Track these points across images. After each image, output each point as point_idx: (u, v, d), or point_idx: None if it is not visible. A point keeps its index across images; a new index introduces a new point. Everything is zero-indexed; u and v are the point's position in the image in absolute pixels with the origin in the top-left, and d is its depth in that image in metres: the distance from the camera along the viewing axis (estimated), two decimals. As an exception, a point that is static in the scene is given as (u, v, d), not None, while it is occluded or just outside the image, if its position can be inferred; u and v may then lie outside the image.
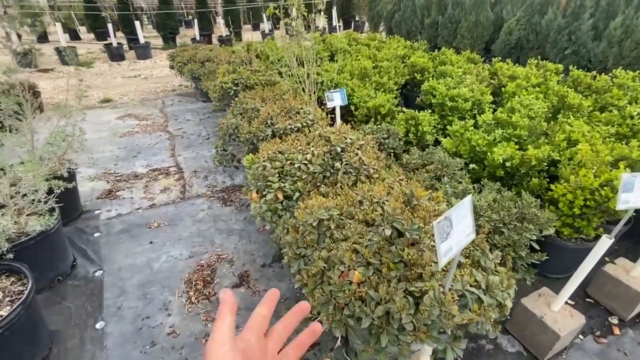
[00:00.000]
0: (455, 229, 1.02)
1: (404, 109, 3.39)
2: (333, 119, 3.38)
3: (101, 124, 5.10)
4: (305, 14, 3.42)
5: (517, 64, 4.60)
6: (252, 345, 0.40)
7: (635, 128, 2.79)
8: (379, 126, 2.98)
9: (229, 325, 0.40)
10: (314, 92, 3.76)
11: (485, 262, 1.43)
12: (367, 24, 13.72)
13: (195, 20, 10.90)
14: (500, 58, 4.75)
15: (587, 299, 2.21)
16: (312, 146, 2.12)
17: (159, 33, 11.65)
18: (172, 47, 10.77)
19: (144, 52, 9.95)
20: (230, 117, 3.18)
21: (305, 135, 2.41)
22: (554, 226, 2.04)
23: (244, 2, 14.47)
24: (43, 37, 12.26)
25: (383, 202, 1.47)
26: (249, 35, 13.51)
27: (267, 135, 2.49)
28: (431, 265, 1.23)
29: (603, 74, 3.78)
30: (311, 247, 1.43)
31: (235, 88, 3.66)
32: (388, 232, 1.33)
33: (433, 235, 1.33)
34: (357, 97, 3.69)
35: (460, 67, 4.62)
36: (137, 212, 3.10)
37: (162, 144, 4.47)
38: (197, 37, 10.87)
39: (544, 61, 4.48)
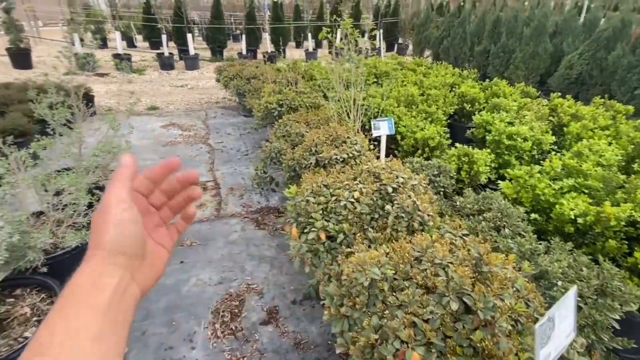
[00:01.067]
0: (557, 331, 0.81)
1: (456, 143, 3.18)
2: (375, 147, 3.23)
3: (146, 132, 5.25)
4: (357, 38, 3.33)
5: (577, 101, 4.24)
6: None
7: None
8: (429, 162, 2.77)
9: (129, 188, 0.40)
10: (359, 118, 3.63)
11: (569, 353, 1.18)
12: (410, 47, 13.59)
13: (243, 36, 11.27)
14: (558, 93, 4.42)
15: (675, 393, 1.85)
16: (360, 182, 1.96)
17: (208, 45, 12.15)
18: (219, 60, 11.17)
19: (192, 63, 10.38)
20: (274, 140, 3.11)
21: (351, 167, 2.27)
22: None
23: (291, 20, 14.87)
24: (102, 44, 13.17)
25: (447, 265, 1.27)
26: (293, 52, 13.82)
27: (311, 163, 2.36)
28: (509, 357, 1.01)
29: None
30: (360, 310, 1.25)
31: (279, 109, 3.61)
32: (455, 306, 1.13)
33: (510, 315, 1.12)
34: (404, 127, 3.52)
35: (515, 101, 4.34)
36: (171, 226, 3.05)
37: (202, 156, 4.49)
38: (244, 52, 11.20)
39: (611, 100, 4.11)
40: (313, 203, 1.83)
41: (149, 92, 7.70)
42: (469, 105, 4.62)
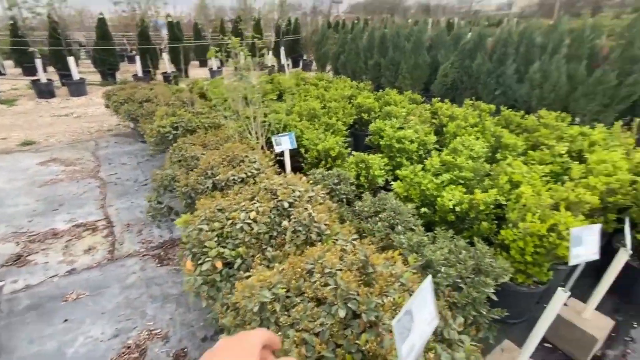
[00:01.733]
0: (417, 321, 0.87)
1: (354, 152, 3.36)
2: (283, 162, 3.24)
3: (17, 172, 4.46)
4: (250, 56, 3.34)
5: (454, 104, 4.89)
6: None
7: (565, 166, 2.99)
8: (330, 171, 2.87)
9: None
10: (262, 135, 3.61)
11: (449, 334, 1.29)
12: (315, 63, 14.24)
13: (137, 57, 10.48)
14: (439, 98, 5.03)
15: (546, 344, 2.18)
16: (258, 201, 1.92)
17: (97, 69, 10.99)
18: (111, 84, 10.15)
19: (78, 88, 9.24)
20: (168, 166, 2.90)
21: (250, 187, 2.21)
22: (510, 273, 2.02)
23: (192, 39, 14.35)
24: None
25: (335, 274, 1.30)
26: (197, 72, 13.30)
27: (207, 187, 2.25)
28: (392, 353, 1.06)
29: (530, 113, 4.13)
30: (253, 337, 1.19)
31: (174, 132, 3.40)
32: (342, 313, 1.15)
33: (395, 310, 1.18)
34: (307, 140, 3.60)
35: (404, 107, 4.81)
36: (51, 281, 2.60)
37: (90, 192, 3.96)
38: (140, 74, 10.39)
39: (478, 101, 4.82)
40: (207, 231, 1.73)
41: (22, 125, 6.60)
42: (366, 115, 4.96)
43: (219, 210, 1.86)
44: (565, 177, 2.79)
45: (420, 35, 6.54)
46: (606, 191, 2.45)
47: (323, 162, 3.40)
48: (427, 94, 6.64)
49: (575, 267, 1.68)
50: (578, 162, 3.02)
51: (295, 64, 15.18)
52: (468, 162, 2.87)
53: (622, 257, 1.81)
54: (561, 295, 1.53)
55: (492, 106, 4.60)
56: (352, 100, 5.41)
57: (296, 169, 3.43)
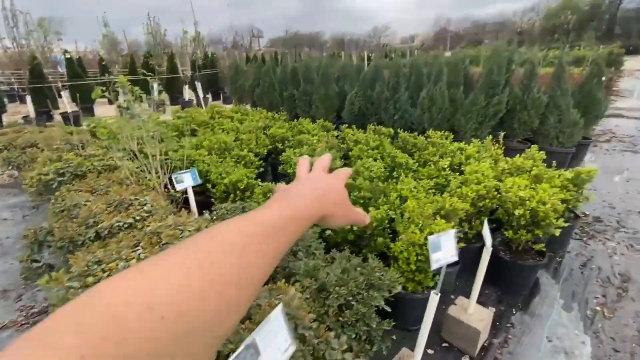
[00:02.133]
0: (266, 353, 0.89)
1: (261, 182, 3.40)
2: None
3: None
4: (142, 95, 3.23)
5: (361, 129, 5.29)
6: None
7: (448, 178, 3.40)
8: (235, 204, 2.85)
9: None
10: (165, 173, 3.46)
11: (330, 355, 1.34)
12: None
13: (28, 97, 9.40)
14: (347, 125, 5.40)
15: (444, 344, 2.37)
16: (142, 247, 1.81)
17: (-24, 112, 9.55)
18: (-6, 128, 8.86)
19: (-53, 135, 7.87)
20: (51, 217, 2.59)
21: (139, 231, 2.08)
22: (400, 283, 2.18)
23: (97, 76, 13.39)
24: None
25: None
26: (106, 110, 12.35)
27: (89, 238, 2.05)
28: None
29: (423, 134, 4.66)
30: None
31: (60, 179, 3.07)
32: None
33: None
34: (215, 174, 3.54)
35: (316, 135, 5.05)
36: None
37: (-46, 259, 3.33)
38: (32, 115, 9.29)
39: (379, 126, 5.28)
40: (78, 288, 1.57)
41: None
42: (281, 144, 5.08)
43: (96, 262, 1.71)
44: (448, 189, 3.16)
45: (327, 68, 7.03)
46: (477, 197, 2.84)
47: (232, 196, 3.36)
48: (340, 121, 7.08)
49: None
50: (458, 173, 3.46)
51: (216, 98, 15.04)
52: (365, 182, 3.10)
53: (485, 255, 2.09)
54: (434, 298, 1.70)
55: (391, 129, 5.08)
56: (266, 131, 5.51)
57: (206, 204, 3.33)
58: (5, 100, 10.04)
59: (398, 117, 5.89)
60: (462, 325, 2.23)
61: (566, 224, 2.58)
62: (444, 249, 1.62)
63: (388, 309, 1.99)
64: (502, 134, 4.20)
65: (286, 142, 5.09)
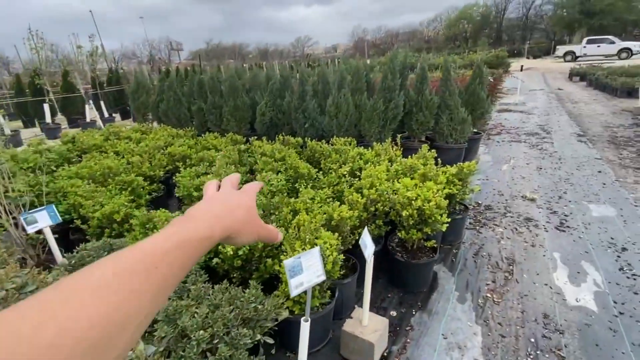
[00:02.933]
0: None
1: (149, 211, 3.01)
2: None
3: None
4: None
5: (273, 141, 5.11)
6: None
7: (347, 184, 3.37)
8: (103, 242, 2.44)
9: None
10: (9, 212, 2.87)
11: None
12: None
13: None
14: (259, 137, 5.18)
15: (343, 362, 2.25)
16: None
17: None
18: None
19: None
20: None
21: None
22: (288, 307, 2.01)
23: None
24: None
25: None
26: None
27: None
28: None
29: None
30: None
31: None
32: None
33: None
34: (87, 207, 3.05)
35: (220, 150, 4.74)
36: None
37: None
38: None
39: (289, 136, 5.17)
40: None
41: None
42: (182, 163, 4.66)
43: None
44: (336, 203, 3.12)
45: (234, 80, 6.76)
46: (369, 202, 2.83)
47: (108, 231, 2.90)
48: (255, 133, 6.85)
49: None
50: (358, 179, 3.46)
51: (125, 116, 13.73)
52: (261, 197, 2.91)
53: (368, 267, 2.02)
54: (305, 326, 1.55)
55: (299, 139, 5.00)
56: (165, 150, 5.04)
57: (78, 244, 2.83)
58: None
59: (308, 125, 5.85)
60: (357, 340, 2.13)
61: (449, 219, 2.66)
62: (308, 271, 1.48)
63: (270, 340, 1.80)
64: (399, 136, 4.36)
65: (188, 160, 4.70)
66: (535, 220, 3.93)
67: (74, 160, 5.33)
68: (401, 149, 4.20)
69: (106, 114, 11.71)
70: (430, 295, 2.85)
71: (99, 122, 12.30)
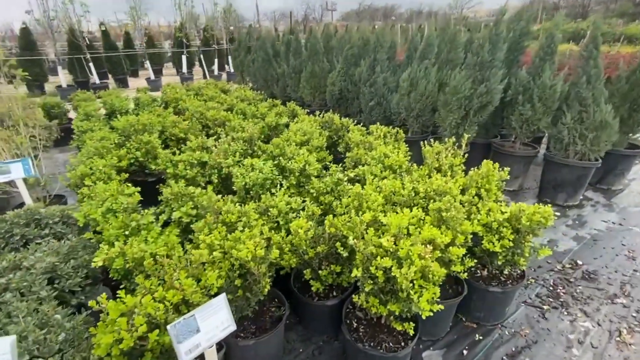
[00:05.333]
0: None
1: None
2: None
3: None
4: None
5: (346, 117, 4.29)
6: None
7: (343, 194, 2.45)
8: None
9: None
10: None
11: None
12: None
13: (59, 67, 10.02)
14: (327, 110, 4.49)
15: None
16: None
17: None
18: (38, 95, 9.72)
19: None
20: None
21: None
22: None
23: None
24: None
25: None
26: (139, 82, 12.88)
27: None
28: None
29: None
30: None
31: None
32: None
33: None
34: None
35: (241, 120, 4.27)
36: None
37: None
38: (64, 85, 9.95)
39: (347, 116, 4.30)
40: None
41: None
42: (221, 129, 4.42)
43: None
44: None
45: (315, 40, 6.04)
46: (327, 236, 1.89)
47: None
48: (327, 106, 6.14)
49: None
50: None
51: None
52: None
53: None
54: None
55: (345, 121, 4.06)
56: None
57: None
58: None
59: (374, 103, 4.78)
60: None
61: (452, 300, 1.54)
62: (203, 330, 0.96)
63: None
64: (466, 136, 2.95)
65: (226, 125, 4.38)
66: (679, 329, 2.16)
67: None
68: (464, 154, 2.85)
69: (183, 69, 12.47)
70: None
71: (224, 75, 13.56)
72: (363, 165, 2.83)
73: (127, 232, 2.04)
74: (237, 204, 2.46)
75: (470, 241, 1.92)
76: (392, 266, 1.63)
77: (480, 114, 3.71)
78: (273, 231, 1.93)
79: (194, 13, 12.80)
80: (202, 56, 13.45)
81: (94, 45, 11.72)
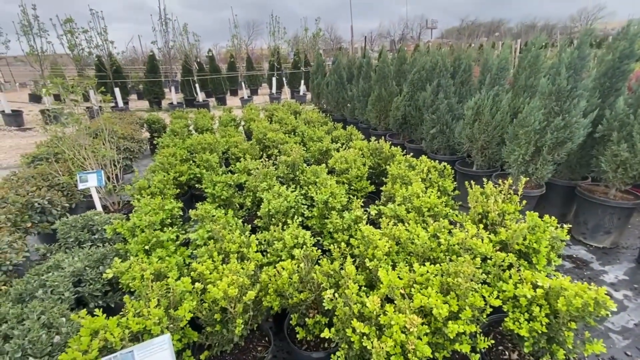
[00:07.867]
0: None
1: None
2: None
3: None
4: (85, 92, 3.48)
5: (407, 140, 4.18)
6: None
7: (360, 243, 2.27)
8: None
9: None
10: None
11: None
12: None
13: (173, 87, 11.84)
14: (390, 135, 4.42)
15: None
16: None
17: (145, 98, 12.80)
18: (155, 110, 11.68)
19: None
20: None
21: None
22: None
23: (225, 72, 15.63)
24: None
25: None
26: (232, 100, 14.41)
27: None
28: None
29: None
30: None
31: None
32: None
33: None
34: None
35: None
36: None
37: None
38: (175, 102, 11.75)
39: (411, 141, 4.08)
40: None
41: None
42: (274, 149, 4.62)
43: None
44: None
45: (384, 63, 5.92)
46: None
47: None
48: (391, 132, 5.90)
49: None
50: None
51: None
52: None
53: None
54: None
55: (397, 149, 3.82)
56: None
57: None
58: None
59: (436, 131, 4.40)
60: None
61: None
62: None
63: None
64: (523, 179, 2.46)
65: (280, 146, 4.55)
66: None
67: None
68: (522, 200, 2.39)
69: (272, 90, 13.24)
70: None
71: (309, 96, 14.22)
72: (393, 203, 2.61)
73: (146, 247, 2.24)
74: (263, 231, 2.53)
75: (484, 316, 1.57)
76: (369, 334, 1.43)
77: (557, 152, 3.08)
78: (266, 267, 1.90)
79: (288, 39, 13.88)
80: (289, 78, 14.49)
81: (205, 68, 13.63)
